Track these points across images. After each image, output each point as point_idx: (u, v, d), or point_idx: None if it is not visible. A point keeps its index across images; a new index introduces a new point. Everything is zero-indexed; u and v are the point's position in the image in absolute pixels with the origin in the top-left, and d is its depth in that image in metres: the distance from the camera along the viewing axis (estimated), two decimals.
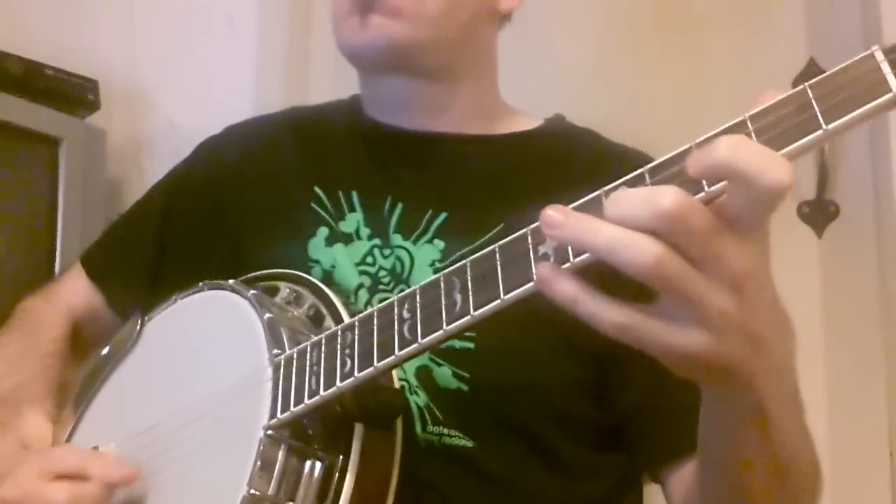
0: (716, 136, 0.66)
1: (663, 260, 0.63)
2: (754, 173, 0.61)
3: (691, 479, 0.94)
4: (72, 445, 1.05)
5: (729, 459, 0.79)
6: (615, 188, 0.68)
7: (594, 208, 0.68)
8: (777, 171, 0.61)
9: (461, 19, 1.10)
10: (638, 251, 0.63)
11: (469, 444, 0.99)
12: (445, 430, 0.99)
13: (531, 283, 0.71)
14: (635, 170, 0.69)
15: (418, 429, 0.99)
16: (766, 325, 0.68)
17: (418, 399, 0.99)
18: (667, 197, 0.62)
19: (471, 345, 0.99)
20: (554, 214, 0.66)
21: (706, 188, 0.64)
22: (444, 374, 0.99)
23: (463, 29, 1.11)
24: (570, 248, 0.69)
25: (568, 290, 0.67)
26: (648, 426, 1.02)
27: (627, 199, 0.64)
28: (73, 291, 1.25)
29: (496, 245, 0.74)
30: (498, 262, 0.73)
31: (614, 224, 0.64)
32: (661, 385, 0.99)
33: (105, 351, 1.11)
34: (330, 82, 1.75)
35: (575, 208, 0.68)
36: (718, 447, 0.80)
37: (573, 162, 1.11)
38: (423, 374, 1.00)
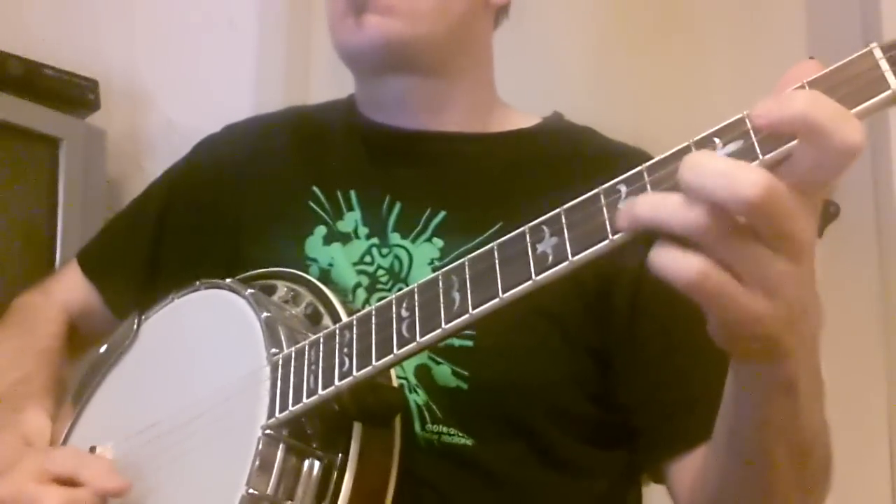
0: (713, 134, 0.66)
1: (774, 186, 0.61)
2: (829, 128, 0.60)
3: (700, 468, 0.93)
4: (71, 448, 1.05)
5: (756, 438, 0.79)
6: (612, 187, 0.68)
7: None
8: (851, 131, 0.60)
9: (455, 14, 1.10)
10: (744, 178, 0.61)
11: (468, 442, 0.99)
12: (444, 429, 0.99)
13: (530, 282, 0.71)
14: (635, 167, 0.69)
15: (417, 427, 0.99)
16: (810, 294, 0.68)
17: (417, 397, 0.99)
18: (752, 184, 0.61)
19: (470, 343, 0.99)
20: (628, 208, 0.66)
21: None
22: (444, 373, 0.99)
23: (457, 24, 1.11)
24: (568, 246, 0.69)
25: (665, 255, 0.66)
26: (651, 420, 1.01)
27: (706, 171, 0.62)
28: (70, 288, 1.25)
29: (494, 243, 0.75)
30: (496, 261, 0.74)
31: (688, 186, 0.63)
32: (662, 378, 1.00)
33: (102, 349, 1.11)
34: (330, 82, 1.74)
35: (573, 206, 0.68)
36: (746, 425, 0.79)
37: (572, 160, 1.11)
38: (423, 373, 1.00)
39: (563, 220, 0.70)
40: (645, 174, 0.67)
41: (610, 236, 0.67)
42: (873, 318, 1.56)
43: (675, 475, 0.98)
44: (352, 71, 1.17)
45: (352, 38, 1.10)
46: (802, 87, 0.63)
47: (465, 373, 0.99)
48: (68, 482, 0.92)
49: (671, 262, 0.65)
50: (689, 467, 0.96)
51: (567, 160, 1.11)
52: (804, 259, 0.65)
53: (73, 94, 1.81)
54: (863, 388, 1.52)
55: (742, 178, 0.61)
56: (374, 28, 1.07)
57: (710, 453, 0.89)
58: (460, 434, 0.99)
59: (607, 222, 0.67)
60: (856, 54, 0.63)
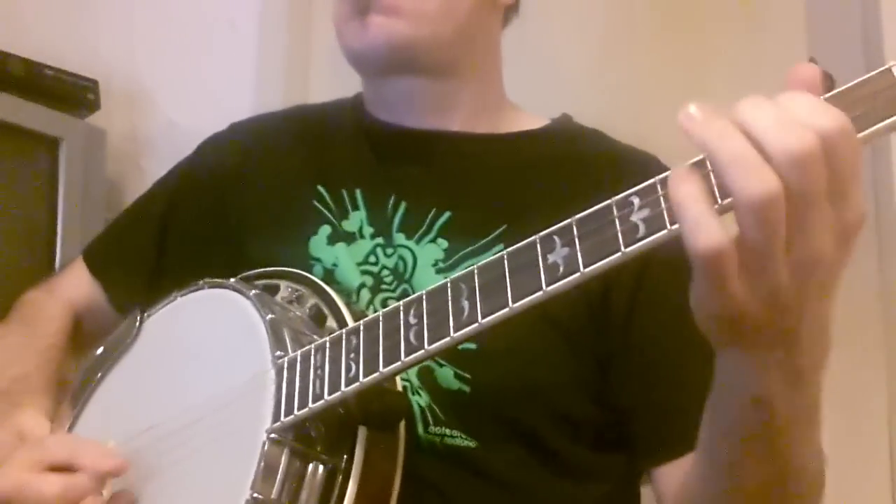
0: None
1: (776, 196, 0.60)
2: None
3: (688, 476, 0.93)
4: (64, 434, 1.05)
5: (724, 448, 0.79)
6: (625, 199, 0.68)
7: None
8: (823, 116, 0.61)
9: (461, 14, 1.10)
10: (758, 175, 0.60)
11: (471, 444, 0.99)
12: (447, 431, 0.99)
13: (540, 293, 0.71)
14: (643, 172, 0.69)
15: (420, 429, 0.99)
16: (815, 323, 0.67)
17: (420, 399, 0.99)
18: (834, 117, 0.60)
19: (473, 345, 0.98)
20: (693, 111, 0.63)
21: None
22: (446, 375, 0.99)
23: (464, 24, 1.11)
24: (579, 257, 0.69)
25: (689, 190, 0.63)
26: (646, 424, 1.02)
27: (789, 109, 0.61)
28: (75, 285, 1.25)
29: (504, 252, 0.75)
30: (506, 270, 0.74)
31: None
32: (657, 384, 1.00)
33: (103, 347, 1.11)
34: (330, 82, 1.74)
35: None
36: (717, 433, 0.79)
37: (579, 162, 1.11)
38: (426, 375, 1.00)
39: (575, 231, 0.70)
40: (658, 187, 0.67)
41: (622, 249, 0.67)
42: (873, 318, 1.56)
43: (660, 481, 0.99)
44: (358, 72, 1.17)
45: (357, 40, 1.10)
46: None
47: (468, 375, 0.99)
48: (65, 469, 0.92)
49: (698, 217, 0.63)
50: (678, 474, 0.96)
51: (574, 163, 1.11)
52: (814, 276, 0.64)
53: (73, 94, 1.81)
54: (863, 388, 1.52)
55: (823, 112, 0.61)
56: (378, 29, 1.07)
57: (693, 461, 0.89)
58: (463, 436, 0.99)
59: (620, 235, 0.67)
60: (873, 72, 0.63)
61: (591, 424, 1.03)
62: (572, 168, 1.10)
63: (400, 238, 1.08)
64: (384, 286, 1.06)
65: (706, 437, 0.81)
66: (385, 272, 1.06)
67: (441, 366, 0.99)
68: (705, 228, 0.62)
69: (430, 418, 0.99)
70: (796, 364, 0.69)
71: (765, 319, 0.66)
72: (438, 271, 1.04)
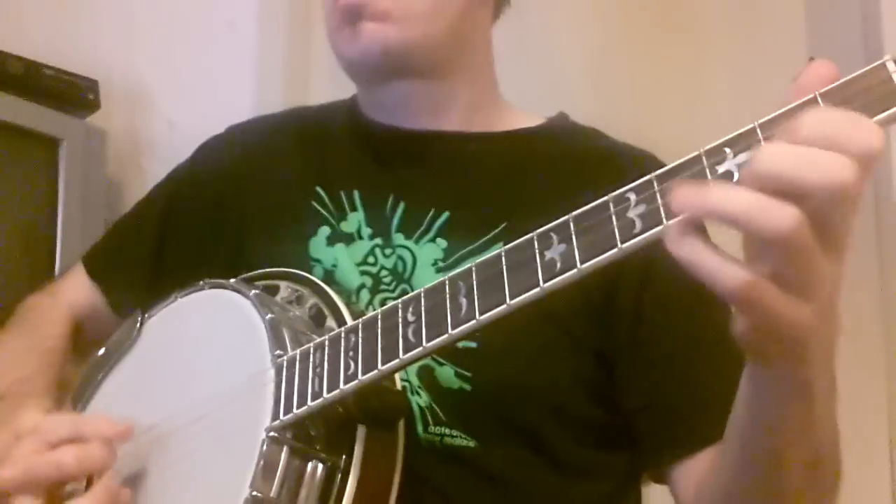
0: (723, 144, 0.65)
1: (803, 224, 0.60)
2: (844, 139, 0.60)
3: (707, 471, 0.93)
4: (59, 414, 1.05)
5: (770, 442, 0.78)
6: (622, 195, 0.68)
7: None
8: (866, 134, 0.60)
9: (451, 14, 1.10)
10: (778, 215, 0.60)
11: (471, 444, 0.99)
12: (447, 431, 0.99)
13: (537, 289, 0.71)
14: (640, 169, 0.69)
15: (420, 429, 0.99)
16: (836, 297, 0.67)
17: (420, 399, 0.99)
18: (844, 167, 0.59)
19: (473, 344, 0.98)
20: (681, 191, 0.63)
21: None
22: (447, 374, 0.99)
23: (454, 23, 1.10)
24: (576, 253, 0.69)
25: (690, 245, 0.64)
26: (656, 423, 1.01)
27: (783, 156, 0.61)
28: (75, 290, 1.25)
29: (502, 249, 0.75)
30: (504, 267, 0.74)
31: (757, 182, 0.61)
32: (667, 381, 1.00)
33: (104, 348, 1.11)
34: (330, 82, 1.74)
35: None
36: (760, 429, 0.78)
37: (577, 160, 1.11)
38: (426, 374, 1.00)
39: (572, 228, 0.70)
40: (655, 183, 0.67)
41: (619, 245, 0.67)
42: (873, 318, 1.56)
43: (679, 478, 0.98)
44: (353, 79, 1.17)
45: (350, 48, 1.10)
46: (815, 100, 0.63)
47: (469, 374, 0.99)
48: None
49: (714, 266, 0.63)
50: (694, 470, 0.96)
51: (572, 161, 1.11)
52: (844, 259, 0.65)
53: (73, 94, 1.81)
54: (863, 387, 1.52)
55: (826, 164, 0.60)
56: (370, 36, 1.07)
57: (719, 457, 0.89)
58: (463, 436, 0.99)
59: (616, 231, 0.67)
60: (868, 67, 0.63)
61: (592, 423, 1.03)
62: (570, 166, 1.10)
63: (399, 238, 1.08)
64: (383, 286, 1.06)
65: (741, 431, 0.81)
66: (384, 272, 1.07)
67: (441, 365, 1.00)
68: (724, 274, 0.63)
69: (429, 418, 0.99)
70: (829, 338, 0.70)
71: (820, 318, 0.66)
72: (438, 271, 1.04)
